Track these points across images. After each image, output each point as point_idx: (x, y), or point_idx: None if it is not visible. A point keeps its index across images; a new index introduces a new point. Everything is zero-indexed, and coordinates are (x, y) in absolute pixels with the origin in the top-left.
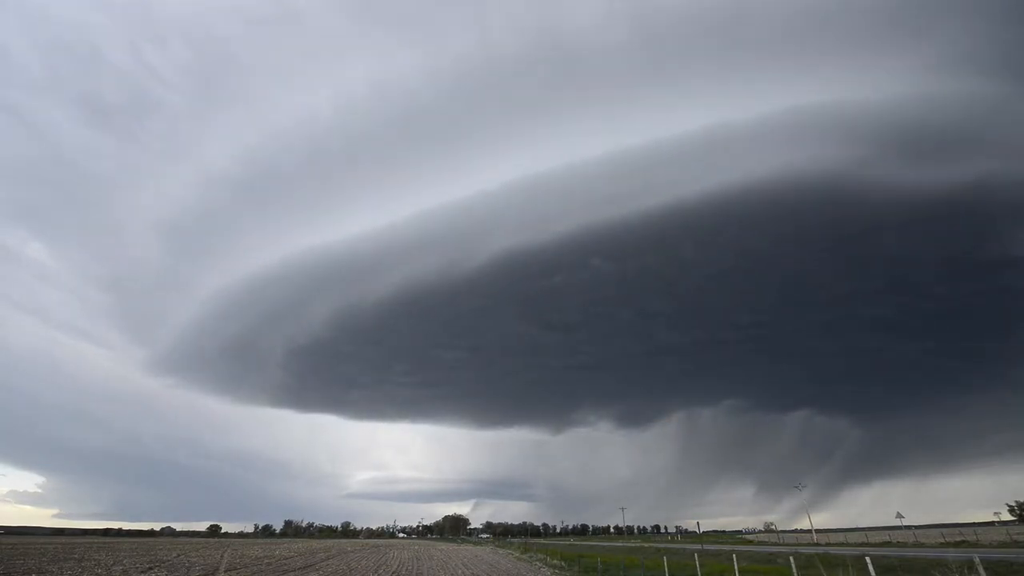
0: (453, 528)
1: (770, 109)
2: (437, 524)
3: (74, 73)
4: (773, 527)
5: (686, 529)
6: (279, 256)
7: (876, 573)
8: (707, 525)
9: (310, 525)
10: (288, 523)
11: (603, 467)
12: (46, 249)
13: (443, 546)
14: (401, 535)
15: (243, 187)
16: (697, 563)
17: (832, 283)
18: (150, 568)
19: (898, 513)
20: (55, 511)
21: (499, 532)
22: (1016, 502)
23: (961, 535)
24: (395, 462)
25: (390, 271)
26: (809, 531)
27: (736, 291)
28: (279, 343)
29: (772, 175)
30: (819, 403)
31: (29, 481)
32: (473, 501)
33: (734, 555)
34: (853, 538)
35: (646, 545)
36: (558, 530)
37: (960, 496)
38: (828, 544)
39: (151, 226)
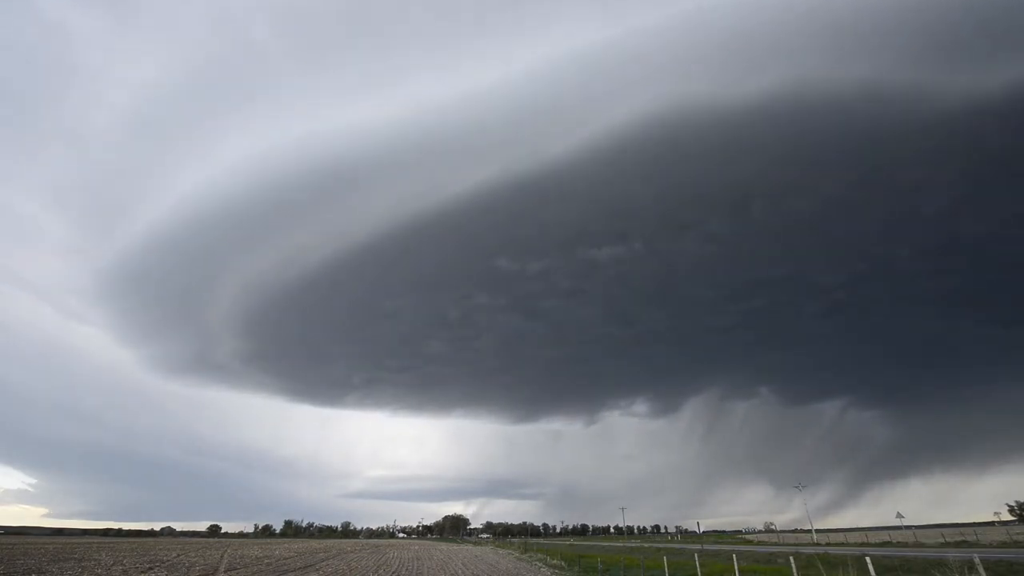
0: (453, 528)
1: None
2: (437, 524)
3: None
4: (773, 527)
5: (686, 529)
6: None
7: (876, 573)
8: (717, 524)
9: (310, 525)
10: (288, 523)
11: (611, 462)
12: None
13: (443, 546)
14: (401, 535)
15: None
16: (697, 563)
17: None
18: (150, 568)
19: (898, 513)
20: (45, 511)
21: (499, 532)
22: (1016, 502)
23: (961, 535)
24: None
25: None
26: (809, 531)
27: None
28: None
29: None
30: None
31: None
32: (479, 499)
33: (734, 555)
34: (853, 538)
35: (646, 545)
36: (558, 530)
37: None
38: (828, 544)
39: None
